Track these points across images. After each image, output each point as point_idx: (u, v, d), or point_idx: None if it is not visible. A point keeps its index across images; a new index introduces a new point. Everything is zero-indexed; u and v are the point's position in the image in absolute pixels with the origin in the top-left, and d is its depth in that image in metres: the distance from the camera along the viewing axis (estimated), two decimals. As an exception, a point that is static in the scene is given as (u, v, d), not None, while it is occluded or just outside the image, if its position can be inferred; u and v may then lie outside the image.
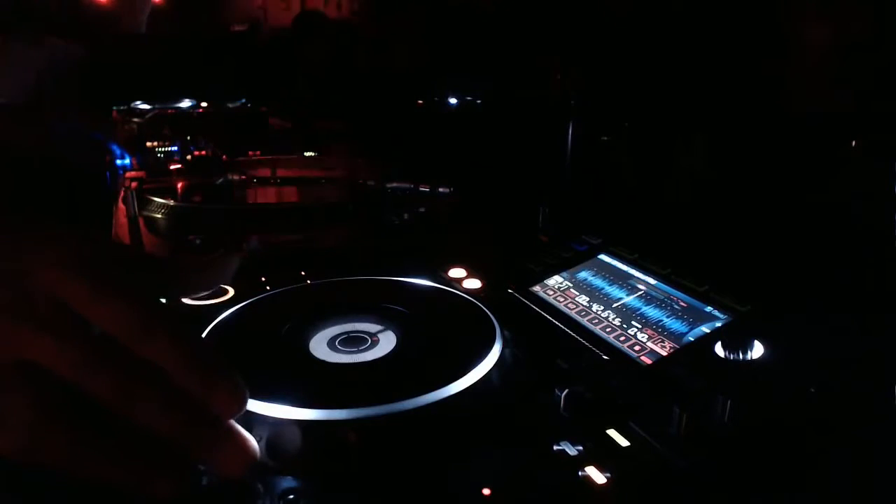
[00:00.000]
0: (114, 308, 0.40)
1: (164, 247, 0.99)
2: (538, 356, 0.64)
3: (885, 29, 0.72)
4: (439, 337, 0.65)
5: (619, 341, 0.66)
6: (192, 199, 1.02)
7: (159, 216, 1.01)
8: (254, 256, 0.93)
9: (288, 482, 0.46)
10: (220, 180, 1.13)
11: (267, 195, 1.11)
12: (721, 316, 0.64)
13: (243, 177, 1.13)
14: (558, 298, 0.77)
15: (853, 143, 0.73)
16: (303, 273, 0.85)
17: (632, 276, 0.76)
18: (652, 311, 0.69)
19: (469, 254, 0.91)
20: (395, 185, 1.12)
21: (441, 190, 1.11)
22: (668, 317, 0.67)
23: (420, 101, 1.24)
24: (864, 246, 0.68)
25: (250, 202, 1.03)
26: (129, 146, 1.09)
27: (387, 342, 0.65)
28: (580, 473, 0.46)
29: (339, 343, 0.65)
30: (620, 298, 0.73)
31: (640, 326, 0.67)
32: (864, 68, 0.74)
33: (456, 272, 0.87)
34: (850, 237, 0.70)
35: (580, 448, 0.49)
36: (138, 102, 1.10)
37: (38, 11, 0.89)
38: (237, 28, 1.25)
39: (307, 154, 1.20)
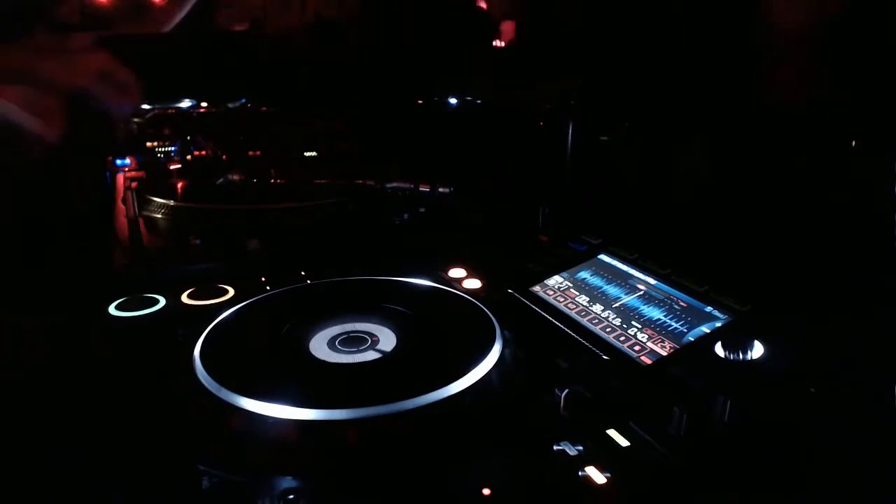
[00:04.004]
0: None
1: (164, 247, 0.99)
2: (538, 356, 0.64)
3: (884, 28, 0.72)
4: (439, 337, 0.65)
5: (619, 341, 0.66)
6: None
7: (159, 216, 1.01)
8: (254, 257, 0.93)
9: (288, 482, 0.46)
10: (220, 180, 1.13)
11: (267, 195, 1.11)
12: (721, 316, 0.64)
13: (243, 177, 1.13)
14: (558, 298, 0.77)
15: (853, 143, 0.73)
16: (303, 273, 0.85)
17: (632, 276, 0.76)
18: (652, 311, 0.69)
19: (469, 254, 0.91)
20: (395, 185, 1.11)
21: (441, 190, 1.11)
22: (668, 317, 0.67)
23: (420, 101, 1.24)
24: (864, 246, 0.68)
25: (250, 202, 1.03)
26: (129, 146, 1.09)
27: (387, 342, 0.65)
28: (580, 473, 0.46)
29: (339, 343, 0.65)
30: (620, 298, 0.73)
31: (640, 326, 0.67)
32: (863, 67, 0.74)
33: (456, 272, 0.87)
34: (850, 237, 0.70)
35: (580, 448, 0.49)
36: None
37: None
38: (237, 28, 1.25)
39: (307, 154, 1.20)
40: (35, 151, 0.75)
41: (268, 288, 0.79)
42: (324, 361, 0.61)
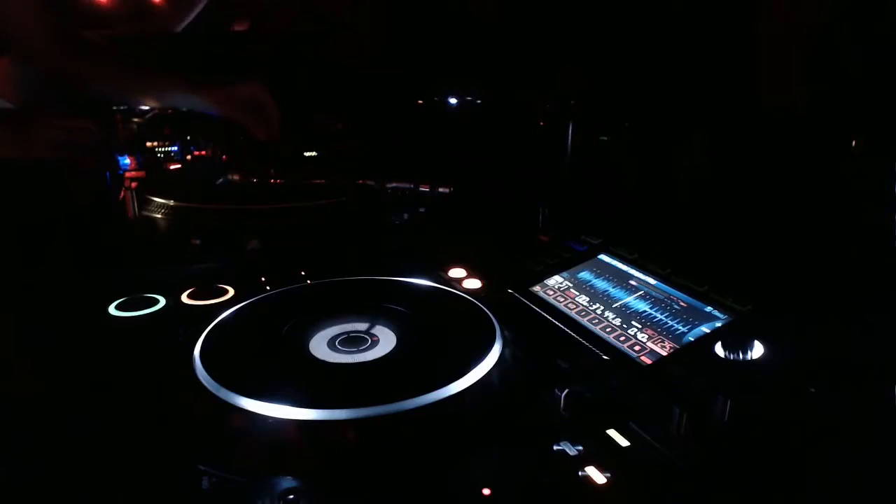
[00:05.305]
0: None
1: (164, 247, 0.99)
2: (538, 356, 0.64)
3: (884, 29, 0.72)
4: (439, 337, 0.65)
5: (619, 341, 0.66)
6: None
7: (159, 216, 1.01)
8: (254, 257, 0.93)
9: (288, 482, 0.46)
10: (220, 180, 1.13)
11: (267, 195, 1.11)
12: (721, 316, 0.64)
13: (243, 177, 1.13)
14: (558, 298, 0.77)
15: (853, 142, 0.73)
16: (303, 273, 0.85)
17: (632, 277, 0.76)
18: (652, 311, 0.69)
19: (469, 254, 0.91)
20: (395, 185, 1.11)
21: (441, 190, 1.11)
22: (668, 317, 0.67)
23: (420, 101, 1.24)
24: (864, 246, 0.68)
25: (250, 202, 1.03)
26: (129, 146, 1.09)
27: (387, 342, 0.65)
28: (580, 473, 0.46)
29: (339, 343, 0.65)
30: (620, 298, 0.73)
31: (640, 326, 0.67)
32: (863, 68, 0.74)
33: (456, 272, 0.87)
34: (850, 237, 0.70)
35: (580, 448, 0.49)
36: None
37: None
38: (237, 28, 1.25)
39: (307, 154, 1.20)
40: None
41: (268, 288, 0.79)
42: (324, 361, 0.61)
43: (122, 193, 1.03)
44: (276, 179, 1.15)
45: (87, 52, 0.88)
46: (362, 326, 0.68)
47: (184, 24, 1.13)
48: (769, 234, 0.77)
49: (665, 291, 0.71)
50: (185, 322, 0.69)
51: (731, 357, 0.57)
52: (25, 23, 0.80)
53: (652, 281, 0.74)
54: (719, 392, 0.50)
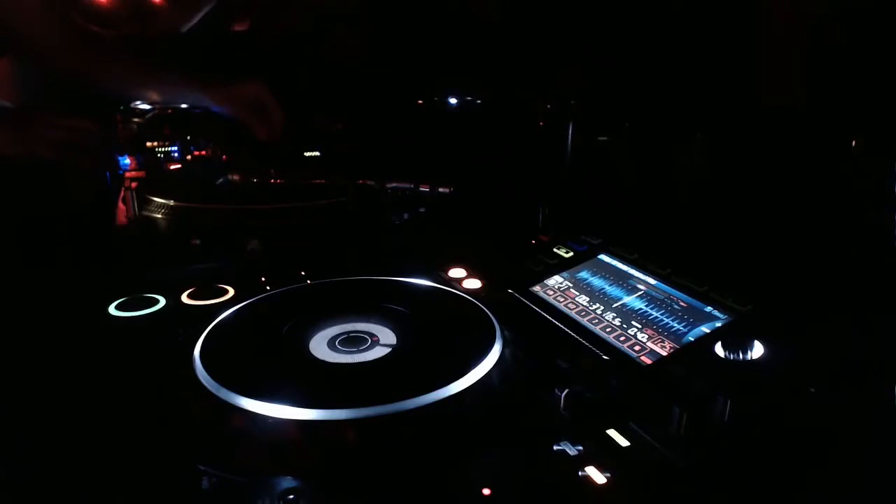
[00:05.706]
0: None
1: (164, 247, 1.00)
2: (538, 356, 0.64)
3: (884, 26, 0.72)
4: (439, 337, 0.65)
5: (619, 341, 0.66)
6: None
7: (159, 216, 1.01)
8: (254, 257, 0.93)
9: (288, 482, 0.46)
10: (220, 180, 1.13)
11: (267, 195, 1.11)
12: (721, 316, 0.64)
13: (243, 177, 1.13)
14: (558, 298, 0.77)
15: (853, 142, 0.73)
16: (303, 273, 0.85)
17: (632, 276, 0.76)
18: (652, 311, 0.69)
19: (469, 254, 0.91)
20: (395, 185, 1.12)
21: (441, 190, 1.11)
22: (668, 317, 0.67)
23: (420, 101, 1.24)
24: (864, 246, 0.68)
25: (250, 202, 1.03)
26: (129, 146, 1.09)
27: (387, 342, 0.65)
28: (580, 473, 0.46)
29: (339, 343, 0.65)
30: (620, 298, 0.73)
31: (640, 326, 0.67)
32: (863, 68, 0.74)
33: (456, 272, 0.87)
34: (850, 237, 0.70)
35: (580, 448, 0.49)
36: (138, 102, 1.10)
37: None
38: (237, 28, 1.25)
39: (307, 154, 1.20)
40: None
41: (268, 288, 0.79)
42: (324, 361, 0.61)
43: (122, 193, 1.03)
44: (276, 179, 1.15)
45: (91, 46, 0.88)
46: (363, 327, 0.68)
47: (188, 27, 1.14)
48: (769, 234, 0.77)
49: (665, 291, 0.71)
50: (185, 322, 0.69)
51: (731, 357, 0.57)
52: (29, 16, 0.80)
53: (652, 281, 0.74)
54: (719, 392, 0.50)
